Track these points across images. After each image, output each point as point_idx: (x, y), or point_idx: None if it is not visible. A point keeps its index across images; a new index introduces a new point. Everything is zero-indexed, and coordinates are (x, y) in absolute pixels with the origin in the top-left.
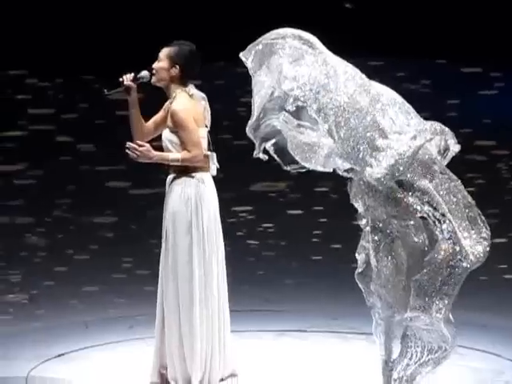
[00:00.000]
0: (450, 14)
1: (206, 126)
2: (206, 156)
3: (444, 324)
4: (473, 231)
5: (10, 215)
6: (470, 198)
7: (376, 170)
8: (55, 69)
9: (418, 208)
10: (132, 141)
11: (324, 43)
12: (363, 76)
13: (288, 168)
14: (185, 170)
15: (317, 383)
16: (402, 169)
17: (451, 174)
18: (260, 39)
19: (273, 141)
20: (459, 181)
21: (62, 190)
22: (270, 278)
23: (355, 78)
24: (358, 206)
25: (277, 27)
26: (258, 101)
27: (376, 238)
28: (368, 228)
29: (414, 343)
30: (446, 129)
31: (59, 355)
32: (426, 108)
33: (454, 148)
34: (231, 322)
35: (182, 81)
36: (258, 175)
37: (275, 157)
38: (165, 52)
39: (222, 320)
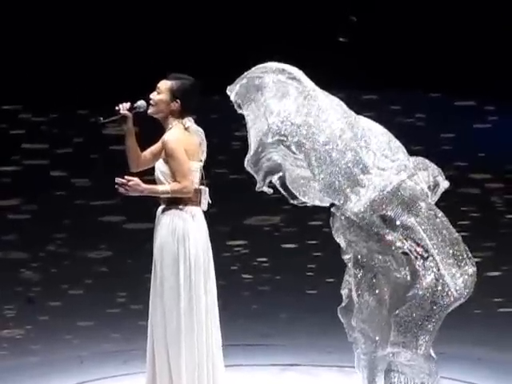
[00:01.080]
0: (444, 48)
1: (201, 161)
2: (198, 190)
3: (425, 360)
4: (457, 268)
5: (4, 250)
6: (456, 235)
7: (356, 204)
8: (49, 103)
9: (400, 244)
10: (126, 172)
11: (318, 76)
12: (349, 111)
13: (294, 202)
14: (174, 202)
15: None
16: (382, 204)
17: (438, 210)
18: (246, 73)
19: (279, 174)
20: (445, 217)
21: (56, 225)
22: (264, 312)
23: (339, 113)
24: (340, 240)
25: (272, 61)
26: (253, 135)
27: (357, 272)
28: (350, 263)
29: (397, 379)
30: (432, 165)
31: None
32: (421, 141)
33: (443, 184)
34: (226, 356)
35: (181, 114)
36: (252, 209)
37: (281, 190)
38: (166, 85)
39: (210, 355)
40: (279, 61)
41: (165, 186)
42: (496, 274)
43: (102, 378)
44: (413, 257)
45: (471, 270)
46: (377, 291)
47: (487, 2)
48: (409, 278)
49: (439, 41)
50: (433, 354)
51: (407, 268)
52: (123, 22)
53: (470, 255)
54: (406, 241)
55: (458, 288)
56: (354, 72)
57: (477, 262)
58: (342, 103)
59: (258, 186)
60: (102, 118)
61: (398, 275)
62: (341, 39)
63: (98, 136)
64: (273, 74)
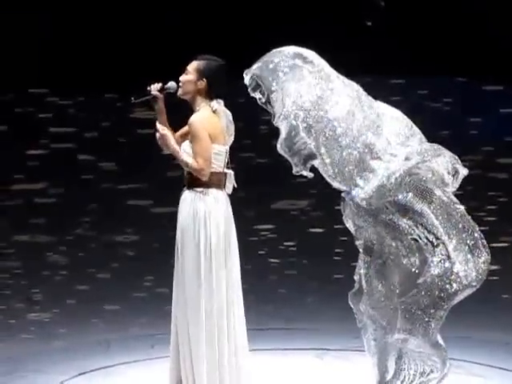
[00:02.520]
0: (472, 32)
1: (226, 144)
2: (223, 174)
3: (432, 347)
4: (470, 255)
5: (31, 234)
6: (471, 223)
7: (364, 190)
8: (77, 87)
9: (410, 230)
10: (153, 157)
11: (345, 62)
12: (366, 96)
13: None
14: (197, 185)
15: None
16: (390, 190)
17: (454, 198)
18: (262, 57)
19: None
20: (461, 205)
21: (83, 209)
22: (291, 297)
23: (353, 98)
24: (350, 226)
25: (296, 45)
26: (283, 119)
27: (367, 258)
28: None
29: (408, 365)
30: (447, 152)
31: (80, 374)
32: (448, 126)
33: (463, 171)
34: (252, 341)
35: (208, 95)
36: (280, 193)
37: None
38: (193, 65)
39: (232, 338)
40: (303, 45)
41: (187, 157)
42: None
43: (129, 362)
44: (423, 243)
45: (484, 258)
46: (386, 278)
47: None
48: (418, 264)
49: (467, 25)
50: (441, 342)
51: (417, 255)
52: (151, 4)
53: (484, 243)
54: (417, 227)
55: (469, 276)
56: (381, 57)
57: (504, 247)
58: (359, 88)
59: (295, 169)
60: (133, 98)
61: (408, 262)
62: (367, 23)
63: (125, 120)
64: (288, 58)
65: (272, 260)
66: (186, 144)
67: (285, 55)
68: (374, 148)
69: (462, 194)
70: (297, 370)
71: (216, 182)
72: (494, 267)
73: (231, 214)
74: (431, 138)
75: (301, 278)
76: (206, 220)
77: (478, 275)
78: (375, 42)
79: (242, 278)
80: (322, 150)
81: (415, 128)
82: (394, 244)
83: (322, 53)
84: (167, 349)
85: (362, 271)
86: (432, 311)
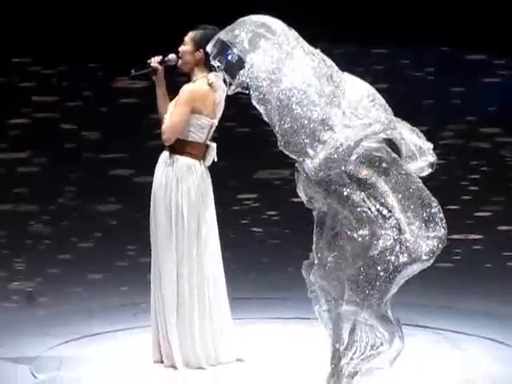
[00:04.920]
0: (454, 2)
1: (214, 118)
2: (203, 145)
3: (378, 320)
4: (424, 229)
5: (13, 203)
6: (430, 197)
7: (313, 161)
8: (59, 56)
9: (361, 202)
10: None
11: (326, 31)
12: (328, 67)
13: None
14: (174, 151)
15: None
16: (339, 161)
17: (411, 172)
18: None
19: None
20: (419, 180)
21: (66, 178)
22: (274, 266)
23: (313, 68)
24: (302, 196)
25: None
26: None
27: (318, 229)
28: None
29: (360, 337)
30: (420, 134)
31: (63, 342)
32: (430, 95)
33: (430, 158)
34: (236, 309)
35: (206, 66)
36: (262, 163)
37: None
38: (190, 35)
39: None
40: (280, 14)
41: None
42: (506, 228)
43: (112, 330)
44: (373, 216)
45: (440, 233)
46: (337, 249)
47: None
48: (367, 237)
49: None
50: (389, 315)
51: (367, 227)
52: None
53: (442, 218)
54: (369, 199)
55: (419, 249)
56: (362, 26)
57: (487, 216)
58: (324, 59)
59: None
60: (133, 71)
61: (358, 234)
62: None
63: (108, 89)
64: (252, 27)
65: (255, 229)
66: (171, 104)
67: (249, 23)
68: (328, 119)
69: (445, 162)
70: (280, 338)
71: (193, 152)
72: (476, 236)
73: (209, 185)
74: (415, 107)
75: (284, 247)
76: (178, 186)
77: (430, 250)
78: (358, 11)
79: (224, 247)
80: (275, 120)
81: (381, 101)
82: (345, 216)
83: (306, 23)
84: (149, 318)
85: (313, 242)
86: (378, 284)
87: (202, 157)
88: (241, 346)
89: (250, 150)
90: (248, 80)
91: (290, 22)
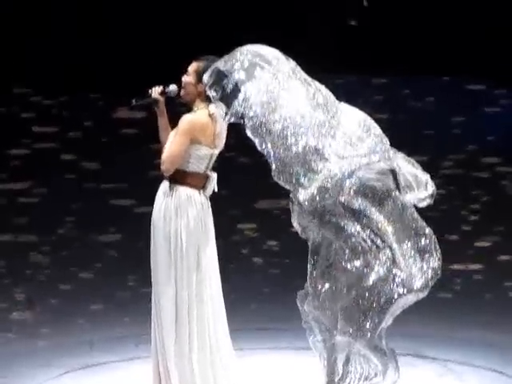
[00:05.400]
0: (455, 31)
1: (215, 147)
2: (204, 176)
3: (372, 351)
4: (419, 260)
5: (14, 233)
6: (425, 228)
7: (306, 191)
8: (60, 87)
9: (356, 232)
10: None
11: (329, 60)
12: (323, 97)
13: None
14: (174, 181)
15: None
16: (331, 191)
17: (407, 202)
18: (227, 55)
19: None
20: (414, 210)
21: (66, 208)
22: (275, 296)
23: (308, 99)
24: (296, 226)
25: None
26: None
27: (312, 259)
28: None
29: (354, 368)
30: (418, 166)
31: (64, 373)
32: (431, 125)
33: (430, 189)
34: (237, 340)
35: (208, 98)
36: (262, 193)
37: None
38: (193, 67)
39: (208, 336)
40: (288, 44)
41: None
42: (507, 258)
43: (114, 361)
44: (367, 246)
45: (435, 264)
46: (331, 280)
47: None
48: (361, 268)
49: (450, 24)
50: (382, 346)
51: (361, 258)
52: (137, 5)
53: (437, 248)
54: (364, 230)
55: (414, 281)
56: (364, 56)
57: (487, 246)
58: (321, 89)
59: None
60: (134, 101)
61: (352, 265)
62: (352, 23)
63: (108, 119)
64: (249, 56)
65: (255, 259)
66: (171, 134)
67: (246, 53)
68: (322, 149)
69: (446, 192)
70: (281, 368)
71: (193, 182)
72: (477, 266)
73: (209, 215)
74: (415, 137)
75: (284, 277)
76: (178, 217)
77: (425, 281)
78: (359, 41)
79: (224, 277)
80: (269, 150)
81: (377, 131)
82: (339, 246)
83: (307, 52)
84: (151, 348)
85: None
86: (371, 314)
87: (202, 187)
88: (242, 377)
89: (250, 179)
90: (242, 110)
91: (291, 51)
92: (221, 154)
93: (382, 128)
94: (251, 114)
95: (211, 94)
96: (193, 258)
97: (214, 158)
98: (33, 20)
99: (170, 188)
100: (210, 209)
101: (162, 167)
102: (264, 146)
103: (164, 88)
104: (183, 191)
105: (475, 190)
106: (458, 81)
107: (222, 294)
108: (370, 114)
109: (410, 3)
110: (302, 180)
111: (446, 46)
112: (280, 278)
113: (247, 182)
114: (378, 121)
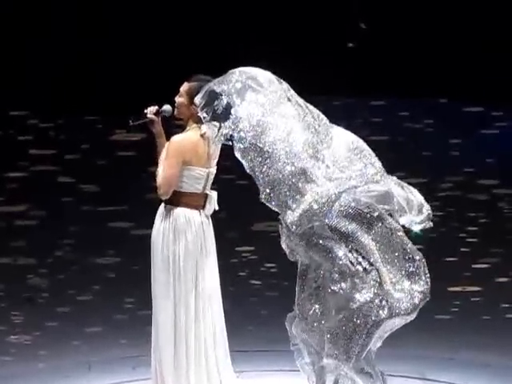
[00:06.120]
0: (452, 54)
1: (209, 167)
2: (202, 195)
3: (357, 374)
4: (407, 283)
5: (12, 256)
6: (414, 251)
7: (293, 213)
8: (57, 109)
9: (343, 255)
10: (135, 181)
11: (326, 82)
12: (314, 120)
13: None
14: (171, 203)
15: None
16: (318, 213)
17: (397, 226)
18: (217, 79)
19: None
20: (403, 234)
21: (64, 231)
22: (273, 318)
23: (299, 121)
24: (284, 248)
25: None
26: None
27: (301, 282)
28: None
29: None
30: (416, 193)
31: None
32: (429, 147)
33: (428, 223)
34: (234, 363)
35: (201, 119)
36: (260, 215)
37: None
38: (184, 88)
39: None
40: (284, 64)
41: (162, 157)
42: (504, 280)
43: (111, 383)
44: (353, 269)
45: (423, 287)
46: (318, 302)
47: (496, 7)
48: (348, 290)
49: (448, 46)
50: (370, 370)
51: (348, 280)
52: (132, 24)
53: (426, 272)
54: (351, 252)
55: (401, 304)
56: (361, 78)
57: (485, 268)
58: (313, 112)
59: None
60: (131, 121)
61: (339, 287)
62: (350, 45)
63: (105, 142)
64: (242, 79)
65: (253, 281)
66: (162, 158)
67: (238, 75)
68: (310, 172)
69: (444, 214)
70: None
71: (191, 202)
72: (475, 288)
73: (209, 234)
74: (413, 159)
75: (282, 299)
76: (176, 238)
77: (412, 304)
78: (358, 64)
79: (223, 299)
80: (257, 172)
81: (367, 153)
82: (327, 268)
83: (303, 73)
84: (148, 371)
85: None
86: (356, 337)
87: (201, 206)
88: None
89: (247, 202)
90: (232, 132)
91: (288, 74)
92: (218, 175)
93: (380, 150)
94: (240, 136)
95: (202, 115)
96: (191, 282)
97: (212, 177)
98: (29, 42)
99: (167, 210)
100: (211, 226)
101: (160, 192)
102: (252, 169)
103: (159, 108)
104: (181, 213)
105: (473, 212)
106: (456, 103)
107: (223, 314)
108: (368, 136)
109: (408, 26)
110: (290, 202)
111: (444, 69)
112: (278, 300)
113: (245, 204)
114: (376, 143)
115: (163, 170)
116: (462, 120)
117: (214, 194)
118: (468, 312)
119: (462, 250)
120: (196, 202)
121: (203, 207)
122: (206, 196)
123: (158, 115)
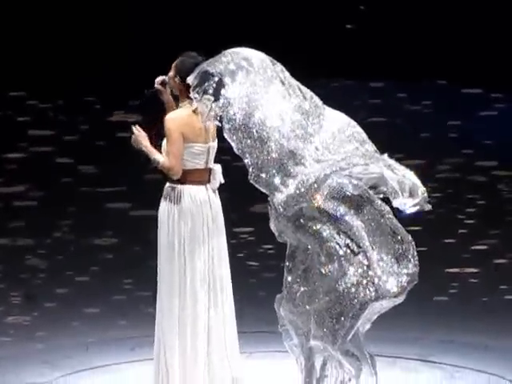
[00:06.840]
0: (451, 35)
1: (207, 142)
2: (206, 170)
3: (343, 356)
4: (395, 266)
5: (10, 237)
6: (404, 234)
7: (281, 195)
8: (56, 90)
9: (329, 236)
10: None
11: (325, 64)
12: (307, 102)
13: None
14: (174, 182)
15: None
16: (307, 196)
17: (386, 209)
18: (210, 59)
19: None
20: (393, 216)
21: (62, 212)
22: (271, 299)
23: (289, 102)
24: (273, 230)
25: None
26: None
27: (289, 263)
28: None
29: (330, 372)
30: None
31: (60, 377)
32: (428, 129)
33: (426, 206)
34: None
35: (186, 94)
36: (258, 196)
37: None
38: (174, 62)
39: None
40: (283, 45)
41: (159, 156)
42: (503, 261)
43: (109, 364)
44: (341, 251)
45: (411, 270)
46: (306, 284)
47: None
48: (335, 272)
49: (446, 27)
50: (353, 351)
51: (336, 262)
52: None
53: (415, 255)
54: (339, 235)
55: (387, 286)
56: (360, 60)
57: (484, 250)
58: (308, 93)
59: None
60: (146, 91)
61: (327, 269)
62: (361, 7)
63: (104, 123)
64: (235, 59)
65: (251, 263)
66: (164, 142)
67: (231, 56)
68: (299, 153)
69: (442, 196)
70: (280, 372)
71: (195, 178)
72: (473, 270)
73: (216, 209)
74: (412, 140)
75: (280, 280)
76: (180, 216)
77: (399, 287)
78: (356, 46)
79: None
80: (246, 153)
81: (359, 135)
82: (314, 250)
83: (301, 54)
84: (147, 351)
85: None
86: (342, 319)
87: (206, 181)
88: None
89: (246, 183)
90: (221, 112)
91: (287, 57)
92: (216, 156)
93: (379, 131)
94: (230, 117)
95: (193, 96)
96: (198, 265)
97: (214, 151)
98: (28, 23)
99: (173, 189)
100: (219, 199)
101: (172, 172)
102: (241, 149)
103: (165, 78)
104: (186, 191)
105: (471, 194)
106: (455, 84)
107: (232, 296)
108: (367, 118)
109: (407, 7)
110: (278, 184)
111: (442, 50)
112: (276, 281)
113: (242, 186)
114: (374, 124)
115: (169, 152)
116: (460, 102)
117: (217, 168)
118: (466, 294)
119: (461, 231)
120: (200, 177)
121: (208, 181)
122: (209, 170)
123: (164, 86)
